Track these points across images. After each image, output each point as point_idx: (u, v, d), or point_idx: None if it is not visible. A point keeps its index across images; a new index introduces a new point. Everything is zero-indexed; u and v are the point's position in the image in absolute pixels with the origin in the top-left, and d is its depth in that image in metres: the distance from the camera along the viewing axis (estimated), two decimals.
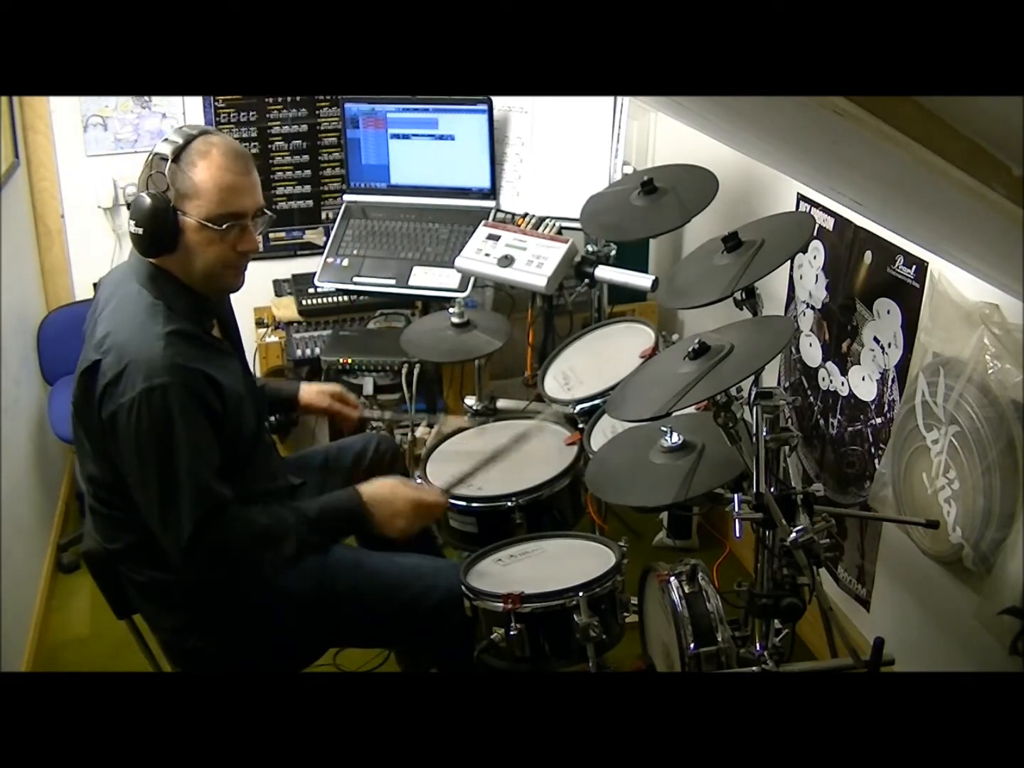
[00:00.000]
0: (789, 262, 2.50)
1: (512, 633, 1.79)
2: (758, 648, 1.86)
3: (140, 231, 1.74)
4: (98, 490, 1.87)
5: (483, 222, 2.54)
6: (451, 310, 2.38)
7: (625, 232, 2.36)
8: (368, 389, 3.00)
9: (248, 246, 1.79)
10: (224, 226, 1.74)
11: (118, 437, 1.72)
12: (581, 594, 1.78)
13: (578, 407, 2.26)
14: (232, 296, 1.98)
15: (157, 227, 1.73)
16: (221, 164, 1.74)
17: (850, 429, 2.37)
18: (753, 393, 1.82)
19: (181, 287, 1.80)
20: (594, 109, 2.81)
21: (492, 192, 2.96)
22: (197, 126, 1.83)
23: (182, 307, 1.79)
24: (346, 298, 3.24)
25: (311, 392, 2.29)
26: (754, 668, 1.84)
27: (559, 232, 2.44)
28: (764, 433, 1.77)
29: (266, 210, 1.85)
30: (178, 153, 1.73)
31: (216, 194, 1.73)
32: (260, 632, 1.91)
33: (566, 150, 2.87)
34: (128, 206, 1.82)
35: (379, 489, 1.91)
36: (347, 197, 3.10)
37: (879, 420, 2.24)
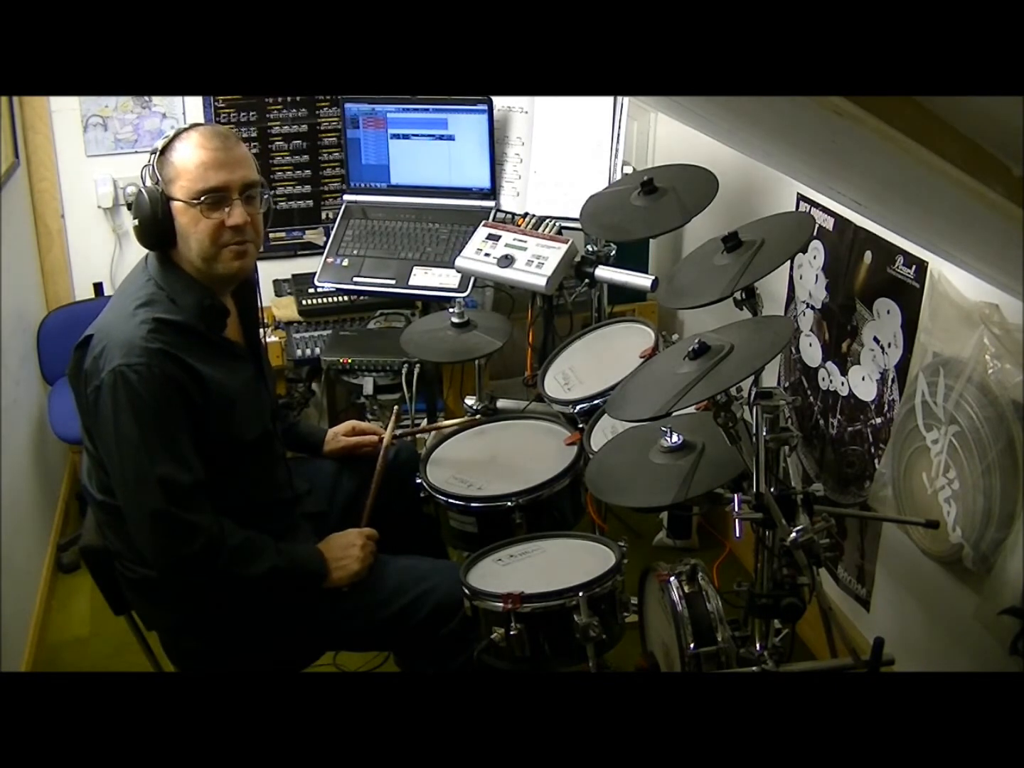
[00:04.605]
0: (789, 262, 2.50)
1: (512, 633, 1.79)
2: (758, 648, 1.86)
3: (136, 222, 1.81)
4: (94, 477, 1.88)
5: (483, 222, 2.54)
6: (451, 310, 2.38)
7: (625, 232, 2.35)
8: (368, 389, 3.01)
9: (234, 220, 1.80)
10: (202, 198, 1.77)
11: (96, 414, 1.76)
12: (581, 594, 1.78)
13: (578, 407, 2.26)
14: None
15: (150, 216, 1.79)
16: (197, 142, 1.80)
17: (850, 429, 2.37)
18: (753, 393, 1.82)
19: (190, 282, 1.84)
20: (594, 109, 2.81)
21: (492, 192, 2.96)
22: (192, 123, 1.85)
23: (187, 301, 1.82)
24: (346, 298, 3.25)
25: (329, 440, 2.31)
26: (754, 668, 1.84)
27: (559, 232, 2.44)
28: (764, 433, 1.77)
29: (263, 184, 1.87)
30: (166, 145, 1.81)
31: (193, 171, 1.78)
32: (254, 634, 1.91)
33: (566, 150, 2.87)
34: (129, 206, 1.86)
35: (333, 548, 1.96)
36: (347, 197, 3.10)
37: (879, 420, 2.24)
